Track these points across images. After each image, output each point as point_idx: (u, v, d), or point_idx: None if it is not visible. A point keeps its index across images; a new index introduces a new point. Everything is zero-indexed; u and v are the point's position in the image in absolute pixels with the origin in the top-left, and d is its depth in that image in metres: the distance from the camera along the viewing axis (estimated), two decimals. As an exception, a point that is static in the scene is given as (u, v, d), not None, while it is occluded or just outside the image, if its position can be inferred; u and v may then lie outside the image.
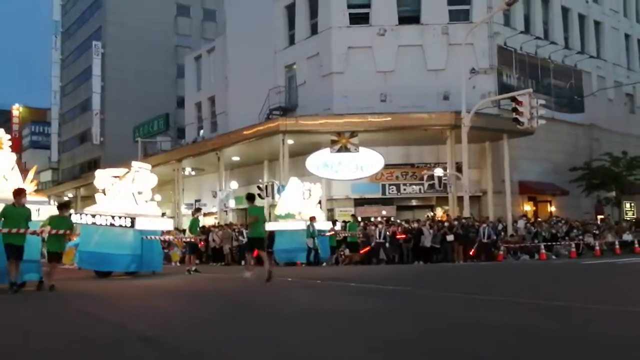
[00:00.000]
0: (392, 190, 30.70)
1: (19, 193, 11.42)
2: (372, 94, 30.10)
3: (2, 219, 11.18)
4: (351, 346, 5.39)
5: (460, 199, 26.87)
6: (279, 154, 28.77)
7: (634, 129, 39.24)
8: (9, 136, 12.69)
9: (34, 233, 11.61)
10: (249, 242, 13.72)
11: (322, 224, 22.74)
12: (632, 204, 39.29)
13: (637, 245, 25.92)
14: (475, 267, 20.27)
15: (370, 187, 30.56)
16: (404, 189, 30.71)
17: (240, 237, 25.21)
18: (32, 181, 12.82)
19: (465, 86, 26.16)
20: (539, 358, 4.80)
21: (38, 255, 12.28)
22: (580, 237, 26.19)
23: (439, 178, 26.94)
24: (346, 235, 23.72)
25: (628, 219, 36.17)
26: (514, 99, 24.42)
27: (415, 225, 24.33)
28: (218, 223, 31.11)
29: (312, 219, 21.76)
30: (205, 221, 31.05)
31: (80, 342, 5.83)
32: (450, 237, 23.09)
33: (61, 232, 12.07)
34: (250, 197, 13.95)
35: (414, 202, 31.70)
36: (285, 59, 34.94)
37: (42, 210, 12.40)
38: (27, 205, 11.63)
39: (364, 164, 29.44)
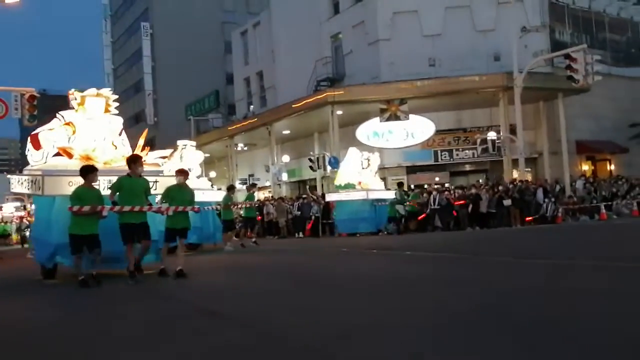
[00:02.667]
0: (445, 157, 30.39)
1: (135, 160, 9.36)
2: (420, 60, 29.65)
3: (117, 193, 9.09)
4: (418, 316, 5.49)
5: (515, 162, 26.39)
6: (329, 125, 28.82)
7: (699, 80, 37.50)
8: (116, 96, 10.87)
9: (158, 211, 9.60)
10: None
11: (382, 193, 22.70)
12: (698, 159, 37.65)
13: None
14: (534, 230, 19.99)
15: (422, 154, 30.33)
16: (457, 155, 30.35)
17: (295, 211, 25.58)
18: (143, 148, 10.89)
19: (517, 46, 25.47)
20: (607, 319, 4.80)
21: (155, 233, 9.83)
22: (643, 195, 25.40)
23: (493, 142, 26.50)
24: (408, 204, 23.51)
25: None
26: (567, 56, 23.67)
27: (473, 190, 24.05)
28: (272, 197, 31.56)
29: (400, 185, 22.94)
30: (259, 195, 31.56)
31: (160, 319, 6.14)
32: (507, 202, 22.76)
33: (188, 208, 9.89)
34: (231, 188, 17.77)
35: (467, 168, 31.31)
36: (331, 29, 34.72)
37: (159, 182, 10.32)
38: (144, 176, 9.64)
39: (415, 131, 29.21)
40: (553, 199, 23.83)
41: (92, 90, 10.64)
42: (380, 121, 28.47)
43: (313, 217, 24.99)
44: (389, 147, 29.49)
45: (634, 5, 35.10)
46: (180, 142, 17.49)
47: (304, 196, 27.51)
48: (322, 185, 31.88)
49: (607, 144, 32.35)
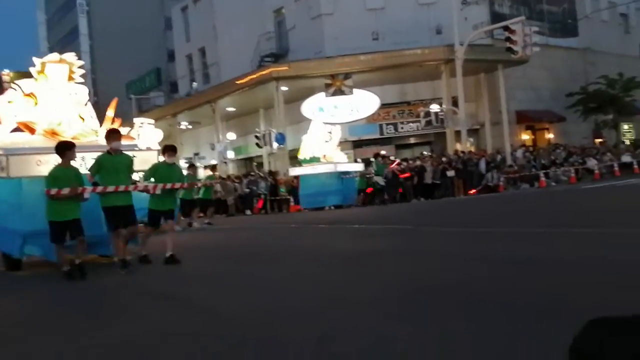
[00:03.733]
0: (390, 130, 30.69)
1: (114, 135, 8.34)
2: (363, 34, 29.67)
3: (98, 174, 8.14)
4: (366, 287, 5.57)
5: (457, 134, 26.89)
6: (274, 101, 28.64)
7: (629, 50, 38.79)
8: (82, 62, 9.59)
9: (145, 190, 8.70)
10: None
11: (348, 166, 22.65)
12: (630, 126, 39.26)
13: (636, 166, 26.11)
14: (476, 199, 20.51)
15: (368, 128, 30.53)
16: (402, 128, 30.68)
17: (245, 189, 25.41)
18: (114, 120, 9.89)
19: (457, 18, 25.79)
20: (558, 286, 4.98)
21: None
22: (580, 161, 26.34)
23: (436, 114, 26.89)
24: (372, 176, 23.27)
25: (626, 140, 36.25)
26: (506, 28, 24.11)
27: (418, 162, 24.38)
28: (219, 175, 31.24)
29: (377, 155, 22.29)
30: (204, 174, 31.18)
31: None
32: (450, 173, 23.24)
33: (177, 185, 8.95)
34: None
35: (412, 140, 31.72)
36: (273, 3, 34.29)
37: (136, 158, 9.12)
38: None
39: (360, 105, 29.34)
40: (495, 169, 24.45)
41: (54, 56, 9.43)
42: (326, 96, 28.46)
43: (262, 195, 24.89)
44: (335, 122, 29.44)
45: (569, -23, 35.95)
46: (137, 120, 16.99)
47: (252, 174, 27.35)
48: (269, 162, 31.77)
49: (546, 114, 33.32)
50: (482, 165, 24.29)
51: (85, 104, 9.53)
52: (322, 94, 28.46)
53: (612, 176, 24.90)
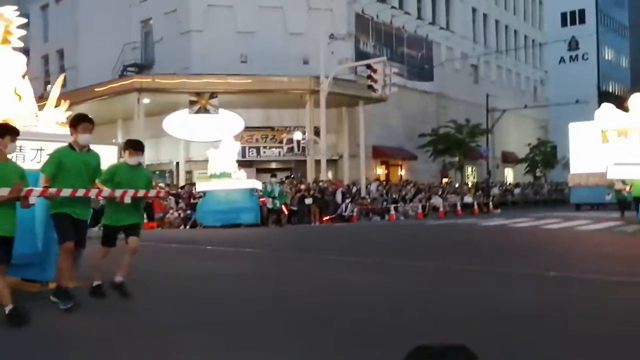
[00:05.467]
0: (252, 153, 30.78)
1: (82, 124, 6.13)
2: (232, 55, 29.70)
3: (54, 176, 5.90)
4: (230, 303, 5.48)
5: (317, 163, 27.58)
6: (134, 113, 27.67)
7: (477, 98, 42.20)
8: (24, 20, 7.32)
9: (110, 197, 6.33)
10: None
11: (250, 183, 21.84)
12: (474, 168, 42.66)
13: (476, 207, 28.36)
14: (328, 228, 21.10)
15: (230, 149, 30.36)
16: (264, 152, 30.91)
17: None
18: (59, 100, 7.71)
19: (324, 51, 26.66)
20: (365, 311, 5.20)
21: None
22: (427, 199, 28.07)
23: (298, 142, 27.47)
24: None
25: (469, 182, 39.32)
26: (369, 67, 25.34)
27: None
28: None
29: (273, 175, 21.77)
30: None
31: None
32: (308, 201, 23.70)
33: (141, 192, 6.56)
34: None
35: (273, 165, 31.99)
36: (141, 14, 33.35)
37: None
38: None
39: (224, 125, 29.13)
40: (350, 199, 25.33)
41: None
42: (189, 113, 28.00)
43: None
44: (197, 140, 29.12)
45: (429, 25, 38.59)
46: None
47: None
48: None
49: (399, 151, 35.26)
50: (339, 196, 25.08)
51: (23, 78, 7.34)
52: (186, 110, 27.97)
53: (455, 215, 26.79)
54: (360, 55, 32.02)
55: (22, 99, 7.11)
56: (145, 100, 27.65)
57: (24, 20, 7.30)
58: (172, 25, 31.39)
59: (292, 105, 29.45)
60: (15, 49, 7.23)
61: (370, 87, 25.15)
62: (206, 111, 27.92)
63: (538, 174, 46.42)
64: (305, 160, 28.69)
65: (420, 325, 4.96)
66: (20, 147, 6.35)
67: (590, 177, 24.54)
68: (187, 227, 22.00)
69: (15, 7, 7.25)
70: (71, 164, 5.90)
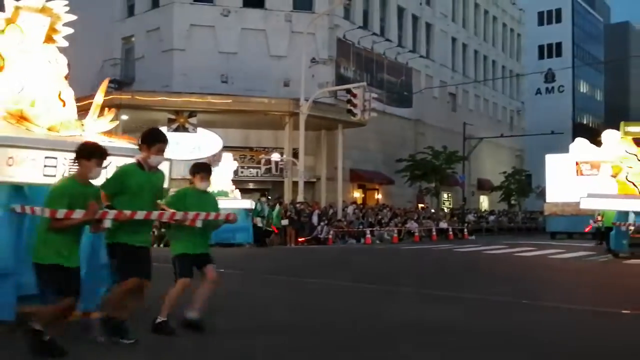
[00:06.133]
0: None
1: (156, 143, 5.47)
2: (213, 75, 29.80)
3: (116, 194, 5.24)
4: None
5: (295, 184, 27.61)
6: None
7: (454, 126, 42.73)
8: (73, 17, 6.40)
9: (182, 220, 5.65)
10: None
11: (247, 203, 21.41)
12: (449, 195, 43.03)
13: (450, 233, 28.58)
14: (302, 250, 21.07)
15: (207, 168, 30.26)
16: (242, 172, 30.70)
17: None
18: (101, 109, 6.98)
19: (305, 75, 26.83)
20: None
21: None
22: (402, 223, 28.19)
23: (276, 163, 27.50)
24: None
25: (445, 208, 39.63)
26: (349, 91, 25.55)
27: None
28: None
29: (263, 195, 21.13)
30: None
31: None
32: (285, 222, 23.65)
33: (211, 215, 5.88)
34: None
35: (250, 186, 31.91)
36: (123, 31, 33.38)
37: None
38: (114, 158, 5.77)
39: (202, 144, 29.08)
40: (326, 222, 25.34)
41: (35, 1, 6.04)
42: (168, 131, 27.86)
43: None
44: (175, 158, 28.54)
45: (409, 52, 39.15)
46: None
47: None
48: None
49: (377, 175, 35.47)
50: (315, 218, 25.07)
51: (66, 79, 6.55)
52: (165, 128, 27.83)
53: (430, 240, 26.92)
54: (340, 79, 32.31)
55: (66, 104, 6.44)
56: (124, 117, 27.50)
57: (74, 17, 6.38)
58: (154, 43, 31.44)
59: (272, 127, 29.53)
60: (59, 48, 6.50)
61: (349, 111, 25.34)
62: (184, 130, 27.86)
63: (512, 202, 47.03)
64: (282, 182, 28.70)
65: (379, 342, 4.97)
66: (110, 162, 5.55)
67: (566, 207, 25.18)
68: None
69: (66, 2, 6.34)
70: (136, 185, 5.23)
